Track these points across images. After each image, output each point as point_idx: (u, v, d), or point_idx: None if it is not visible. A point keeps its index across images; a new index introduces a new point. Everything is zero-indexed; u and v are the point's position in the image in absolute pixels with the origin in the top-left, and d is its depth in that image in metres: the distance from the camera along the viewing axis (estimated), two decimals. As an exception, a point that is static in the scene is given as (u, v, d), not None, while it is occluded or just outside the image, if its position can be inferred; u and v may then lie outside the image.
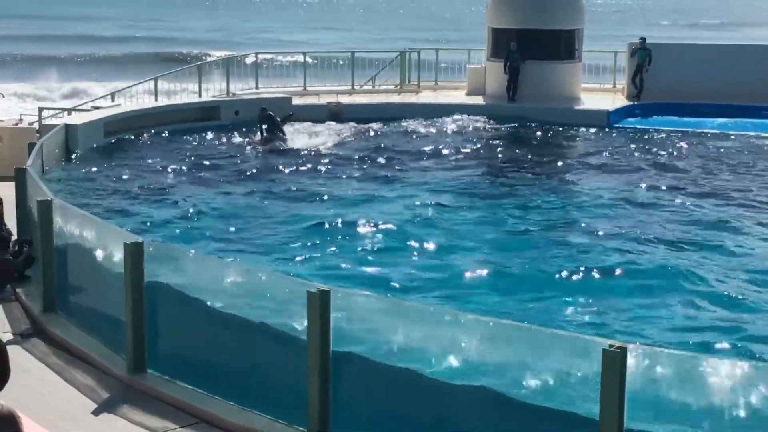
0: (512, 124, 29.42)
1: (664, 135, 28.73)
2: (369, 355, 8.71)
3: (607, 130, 29.50)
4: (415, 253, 16.49)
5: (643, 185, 22.07)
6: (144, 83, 30.37)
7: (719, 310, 14.01)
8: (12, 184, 14.90)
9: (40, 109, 26.18)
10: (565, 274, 15.33)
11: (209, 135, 26.37)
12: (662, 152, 26.22)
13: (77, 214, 12.12)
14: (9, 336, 11.77)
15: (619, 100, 33.10)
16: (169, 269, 10.63)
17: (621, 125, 30.25)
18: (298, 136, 27.00)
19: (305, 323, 8.68)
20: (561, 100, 31.61)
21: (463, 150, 25.92)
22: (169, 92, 30.93)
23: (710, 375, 7.26)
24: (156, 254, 10.48)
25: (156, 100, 29.33)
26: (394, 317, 8.77)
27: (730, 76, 32.07)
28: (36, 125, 24.30)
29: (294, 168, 23.09)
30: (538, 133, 28.53)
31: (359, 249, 16.72)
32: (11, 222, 14.37)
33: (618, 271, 15.57)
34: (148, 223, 17.86)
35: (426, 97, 33.44)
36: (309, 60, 35.89)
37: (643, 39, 33.29)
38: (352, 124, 28.82)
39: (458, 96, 33.23)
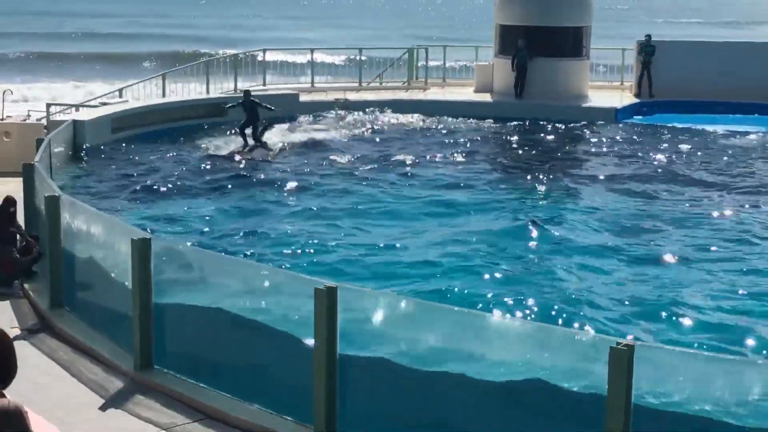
0: (520, 122, 29.41)
1: (671, 132, 28.69)
2: (377, 354, 8.71)
3: (614, 126, 29.48)
4: (421, 250, 16.47)
5: (651, 182, 22.02)
6: (151, 80, 30.40)
7: (728, 306, 13.99)
8: (20, 180, 14.92)
9: (48, 105, 26.21)
10: (570, 271, 15.31)
11: (217, 131, 26.37)
12: (670, 149, 26.17)
13: (85, 210, 12.13)
14: (17, 331, 11.80)
15: (626, 97, 33.05)
16: (176, 265, 10.64)
17: (628, 122, 30.23)
18: (301, 131, 27.02)
19: (312, 320, 8.67)
20: (568, 98, 31.58)
21: (469, 147, 25.90)
22: (177, 89, 30.94)
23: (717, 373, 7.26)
24: (163, 250, 10.49)
25: (164, 96, 29.35)
26: (401, 315, 8.76)
27: (739, 73, 32.03)
28: (44, 121, 24.33)
29: (298, 164, 23.07)
30: (546, 130, 28.49)
31: (364, 246, 16.69)
32: (20, 217, 14.39)
33: (625, 269, 15.56)
34: (156, 220, 17.87)
35: (434, 94, 33.43)
36: (317, 57, 35.86)
37: (648, 36, 33.28)
38: (356, 119, 28.84)
39: (466, 93, 33.22)
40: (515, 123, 29.33)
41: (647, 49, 32.52)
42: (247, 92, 25.95)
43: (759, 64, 32.48)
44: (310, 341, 8.75)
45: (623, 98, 32.77)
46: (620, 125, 29.76)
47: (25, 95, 44.70)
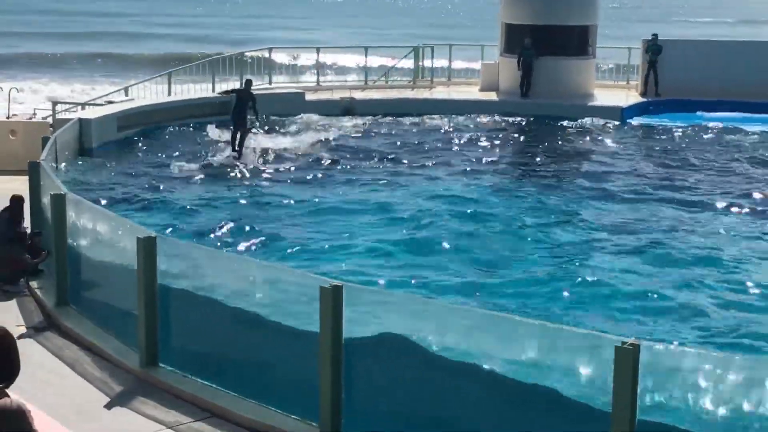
0: (525, 120, 29.39)
1: (678, 131, 28.67)
2: (380, 351, 8.70)
3: (620, 125, 29.46)
4: (425, 249, 16.46)
5: (657, 181, 22.02)
6: (157, 78, 30.42)
7: (734, 306, 13.97)
8: (26, 178, 14.94)
9: (54, 104, 26.24)
10: (576, 271, 15.29)
11: (222, 130, 26.35)
12: (676, 148, 26.16)
13: (90, 208, 12.14)
14: (22, 329, 11.81)
15: (632, 96, 33.02)
16: (181, 264, 10.64)
17: (635, 121, 30.19)
18: (306, 130, 27.02)
19: (317, 318, 8.67)
20: (574, 96, 31.55)
21: (475, 146, 25.90)
22: (183, 89, 30.94)
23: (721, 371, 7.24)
24: (168, 249, 10.49)
25: (169, 95, 29.35)
26: (406, 312, 8.75)
27: (745, 72, 32.00)
28: (50, 120, 24.36)
29: (301, 164, 23.06)
30: (552, 129, 28.48)
31: (369, 246, 16.68)
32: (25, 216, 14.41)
33: (631, 267, 15.55)
34: (161, 218, 17.89)
35: (439, 92, 33.42)
36: (322, 56, 35.83)
37: (655, 35, 33.28)
38: (363, 118, 28.88)
39: (472, 92, 33.21)
40: (521, 121, 29.30)
41: (653, 48, 32.51)
42: (248, 82, 25.07)
43: (766, 63, 32.42)
44: (315, 340, 8.74)
45: (629, 97, 32.74)
46: (626, 124, 29.73)
47: (31, 93, 44.78)
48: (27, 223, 14.34)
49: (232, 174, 21.91)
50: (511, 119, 29.57)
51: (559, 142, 27.03)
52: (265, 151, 24.18)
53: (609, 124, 29.37)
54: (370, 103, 30.65)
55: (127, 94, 28.60)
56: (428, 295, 13.09)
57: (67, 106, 27.16)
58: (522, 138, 27.66)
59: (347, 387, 8.72)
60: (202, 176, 21.65)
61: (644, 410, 7.17)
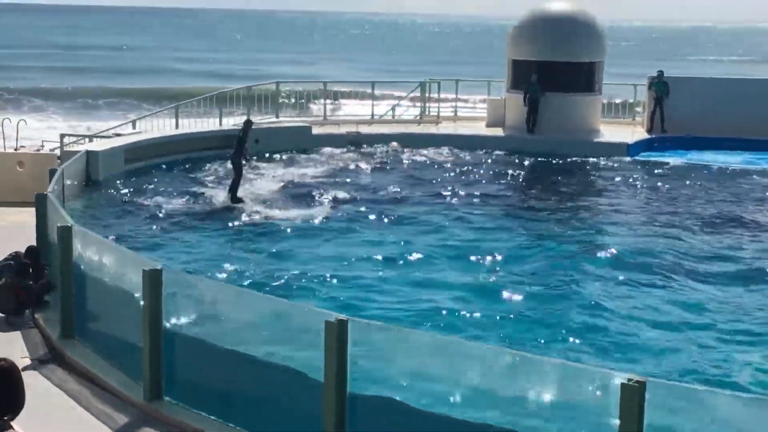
0: (531, 156, 29.43)
1: (683, 167, 28.71)
2: (386, 388, 8.67)
3: (626, 162, 29.49)
4: (430, 285, 16.42)
5: (662, 218, 22.01)
6: (165, 111, 30.56)
7: (740, 342, 13.92)
8: (33, 210, 14.98)
9: (62, 136, 26.36)
10: (582, 306, 15.26)
11: (229, 163, 26.39)
12: (681, 184, 26.17)
13: (96, 241, 12.15)
14: (27, 361, 11.79)
15: (638, 132, 33.09)
16: (186, 296, 10.63)
17: (640, 158, 30.23)
18: (312, 162, 27.09)
19: (322, 353, 8.64)
20: (580, 133, 31.62)
21: (481, 181, 25.93)
22: (190, 122, 31.05)
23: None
24: (174, 282, 10.49)
25: (177, 128, 29.46)
26: (407, 348, 8.72)
27: (751, 110, 32.07)
28: (57, 152, 24.45)
29: (304, 198, 23.02)
30: (558, 165, 28.52)
31: (374, 279, 16.67)
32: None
33: (637, 304, 15.51)
34: (167, 251, 17.89)
35: (445, 127, 33.50)
36: (330, 90, 35.95)
37: (660, 72, 33.41)
38: (368, 152, 28.96)
39: (478, 127, 33.30)
40: (527, 157, 29.35)
41: (659, 86, 32.63)
42: (248, 122, 23.68)
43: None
44: (319, 375, 8.71)
45: (635, 133, 32.81)
46: (632, 160, 29.77)
47: (39, 125, 45.00)
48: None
49: (237, 208, 21.86)
50: (517, 155, 29.62)
51: (565, 178, 27.05)
52: (268, 185, 24.15)
53: (615, 161, 29.39)
54: (376, 137, 30.74)
55: (134, 127, 28.73)
56: (431, 330, 13.07)
57: (75, 138, 27.29)
58: (528, 174, 27.68)
59: (351, 422, 8.68)
60: (207, 209, 21.64)
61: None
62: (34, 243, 14.59)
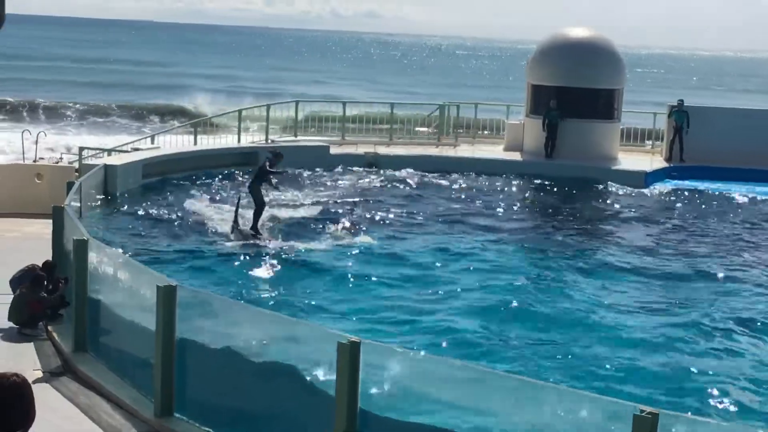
0: (549, 181, 29.38)
1: (701, 197, 28.61)
2: (397, 411, 8.64)
3: (643, 190, 29.41)
4: (445, 309, 16.38)
5: (679, 247, 21.93)
6: (183, 127, 30.71)
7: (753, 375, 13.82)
8: (49, 222, 15.03)
9: (81, 149, 26.47)
10: (598, 333, 15.19)
11: (247, 180, 26.40)
12: (699, 214, 26.07)
13: (112, 255, 12.18)
14: (39, 374, 11.80)
15: (656, 161, 33.02)
16: (200, 313, 10.63)
17: (658, 186, 30.14)
18: (330, 182, 27.11)
19: (334, 373, 8.62)
20: (599, 159, 31.57)
21: (498, 205, 25.89)
22: (209, 138, 31.17)
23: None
24: (188, 298, 10.49)
25: (195, 144, 29.56)
26: (421, 374, 8.69)
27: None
28: (76, 165, 24.55)
29: (325, 220, 22.94)
30: (575, 191, 28.46)
31: (389, 302, 16.64)
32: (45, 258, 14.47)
33: (654, 332, 15.43)
34: (183, 267, 17.90)
35: (464, 150, 33.51)
36: (348, 110, 35.99)
37: (681, 101, 33.36)
38: (385, 174, 28.95)
39: (496, 151, 33.29)
40: (544, 182, 29.30)
41: (679, 115, 32.58)
42: (279, 155, 21.75)
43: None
44: (331, 395, 8.69)
45: (653, 162, 32.74)
46: (650, 189, 29.68)
47: (59, 138, 45.23)
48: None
49: (254, 235, 21.68)
50: (535, 180, 29.58)
51: (582, 205, 26.99)
52: (286, 210, 23.77)
53: (632, 188, 29.31)
54: (394, 158, 30.76)
55: (153, 142, 28.84)
56: (443, 354, 13.03)
57: (94, 151, 27.39)
58: (545, 199, 27.63)
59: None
60: (227, 224, 21.55)
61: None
62: (49, 255, 14.62)
